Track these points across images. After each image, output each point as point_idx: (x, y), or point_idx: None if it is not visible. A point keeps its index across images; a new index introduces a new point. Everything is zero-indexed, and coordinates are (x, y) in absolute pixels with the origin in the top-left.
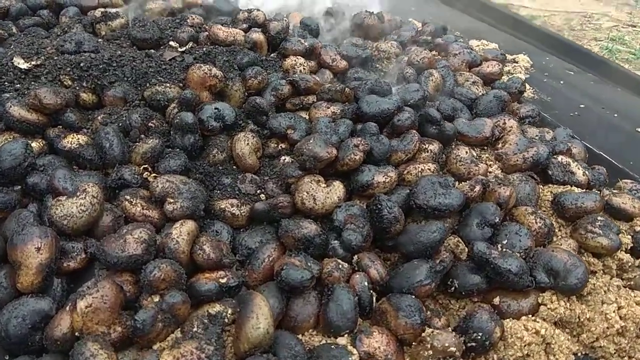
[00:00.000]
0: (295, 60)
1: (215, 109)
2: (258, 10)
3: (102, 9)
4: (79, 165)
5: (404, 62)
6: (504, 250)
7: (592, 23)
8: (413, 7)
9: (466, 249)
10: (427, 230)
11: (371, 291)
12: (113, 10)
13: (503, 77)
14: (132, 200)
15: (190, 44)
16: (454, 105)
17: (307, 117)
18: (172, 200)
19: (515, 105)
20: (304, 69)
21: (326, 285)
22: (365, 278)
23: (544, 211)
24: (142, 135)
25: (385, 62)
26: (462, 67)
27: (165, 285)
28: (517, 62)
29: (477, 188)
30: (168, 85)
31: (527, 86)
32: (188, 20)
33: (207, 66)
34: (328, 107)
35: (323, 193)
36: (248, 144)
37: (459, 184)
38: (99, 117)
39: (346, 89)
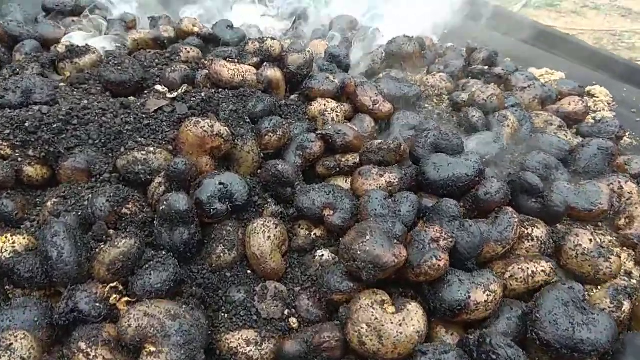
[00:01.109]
0: (324, 105)
1: (220, 184)
2: (272, 39)
3: (68, 43)
4: (15, 284)
5: (460, 99)
6: None
7: (623, 42)
8: (446, 30)
9: None
10: None
11: None
12: (82, 42)
13: (588, 117)
14: (89, 350)
15: (184, 87)
16: (547, 161)
17: (349, 186)
18: (153, 350)
19: (620, 158)
20: (337, 115)
21: None
22: None
23: None
24: (111, 232)
25: (436, 100)
26: (533, 105)
27: None
28: (595, 97)
29: (626, 306)
30: (152, 149)
31: None
32: (181, 54)
33: (208, 121)
34: (381, 175)
35: (393, 325)
36: (269, 237)
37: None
38: (49, 203)
39: (401, 145)
